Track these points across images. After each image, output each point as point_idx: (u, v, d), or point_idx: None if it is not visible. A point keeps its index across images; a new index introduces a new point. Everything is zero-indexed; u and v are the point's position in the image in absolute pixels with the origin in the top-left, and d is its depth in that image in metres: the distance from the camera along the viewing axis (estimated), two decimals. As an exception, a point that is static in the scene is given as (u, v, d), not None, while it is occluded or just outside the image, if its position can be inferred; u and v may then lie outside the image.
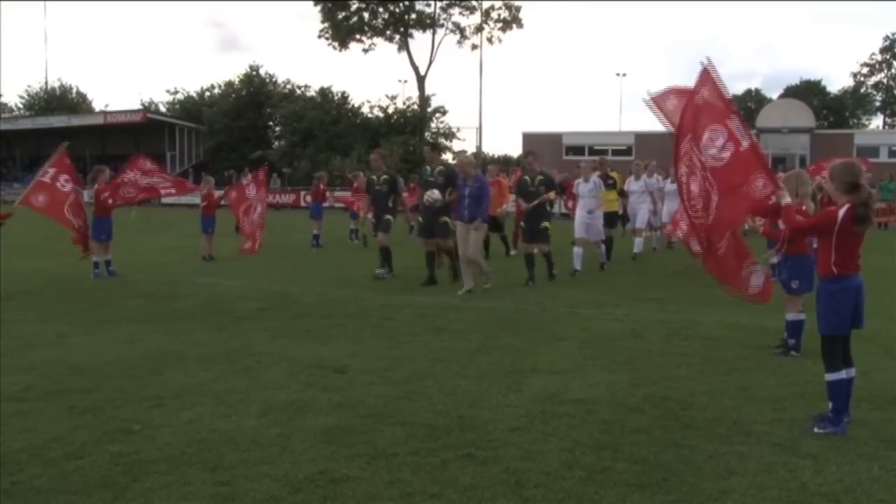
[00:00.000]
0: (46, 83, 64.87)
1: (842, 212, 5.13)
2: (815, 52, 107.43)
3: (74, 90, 66.98)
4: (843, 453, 4.79)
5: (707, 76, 6.15)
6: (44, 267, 13.82)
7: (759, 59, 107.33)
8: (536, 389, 6.20)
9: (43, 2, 61.83)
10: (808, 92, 61.18)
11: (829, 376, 5.23)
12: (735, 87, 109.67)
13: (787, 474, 4.48)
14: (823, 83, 65.81)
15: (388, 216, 13.07)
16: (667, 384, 6.38)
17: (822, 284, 5.28)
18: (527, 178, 12.63)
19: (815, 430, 5.17)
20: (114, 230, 13.19)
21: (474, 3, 55.31)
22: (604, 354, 7.45)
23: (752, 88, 72.15)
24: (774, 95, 64.22)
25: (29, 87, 67.39)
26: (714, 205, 5.98)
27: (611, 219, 14.93)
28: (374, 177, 13.34)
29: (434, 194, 11.72)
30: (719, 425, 5.35)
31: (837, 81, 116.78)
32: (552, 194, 12.91)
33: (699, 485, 4.34)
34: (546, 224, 12.24)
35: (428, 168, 12.75)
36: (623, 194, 15.82)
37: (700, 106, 6.10)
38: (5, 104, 69.79)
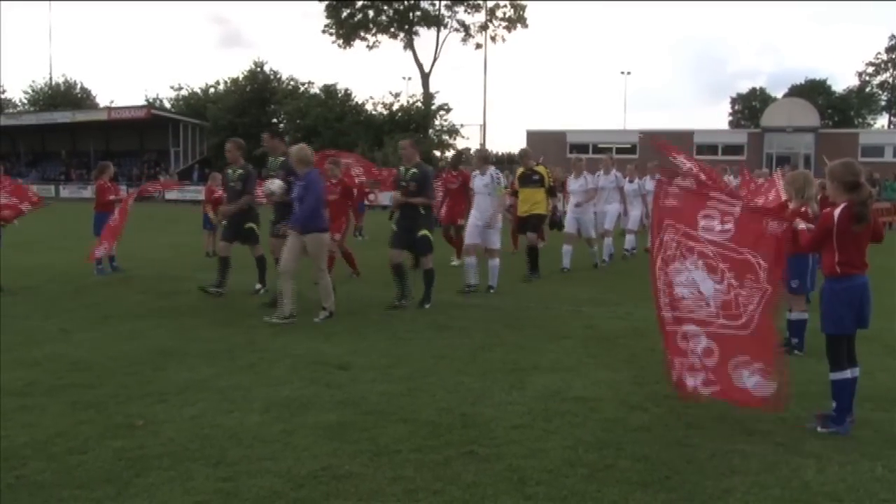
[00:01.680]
0: (51, 79, 65.21)
1: (837, 212, 5.15)
2: (821, 51, 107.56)
3: (79, 86, 67.19)
4: (845, 453, 4.79)
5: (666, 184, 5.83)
6: (47, 262, 13.84)
7: (764, 58, 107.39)
8: (539, 387, 6.21)
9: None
10: (813, 91, 61.18)
11: (834, 376, 5.23)
12: (740, 86, 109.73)
13: (789, 473, 4.48)
14: (828, 82, 65.96)
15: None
16: (669, 383, 6.37)
17: (826, 284, 5.28)
18: (400, 168, 10.15)
19: (819, 429, 5.17)
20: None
21: (479, 1, 55.30)
22: (606, 352, 7.46)
23: (757, 87, 72.32)
24: (779, 94, 64.28)
25: (33, 82, 67.82)
26: (762, 271, 5.26)
27: (535, 223, 12.73)
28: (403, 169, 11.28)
29: (273, 185, 9.61)
30: (722, 424, 5.35)
31: (843, 80, 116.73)
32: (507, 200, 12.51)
33: (701, 483, 4.34)
34: (425, 232, 9.67)
35: (270, 158, 10.82)
36: (553, 193, 13.50)
37: (674, 207, 5.64)
38: (10, 100, 69.97)
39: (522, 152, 13.67)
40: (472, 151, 14.46)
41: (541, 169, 12.60)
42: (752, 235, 5.35)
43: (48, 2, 63.73)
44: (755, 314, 5.23)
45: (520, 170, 12.95)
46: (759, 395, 5.17)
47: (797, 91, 61.35)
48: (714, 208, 5.44)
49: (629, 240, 16.34)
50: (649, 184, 16.57)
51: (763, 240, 5.31)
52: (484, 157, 11.75)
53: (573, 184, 14.44)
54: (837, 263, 5.16)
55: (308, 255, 8.91)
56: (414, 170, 9.76)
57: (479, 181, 11.23)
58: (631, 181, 16.13)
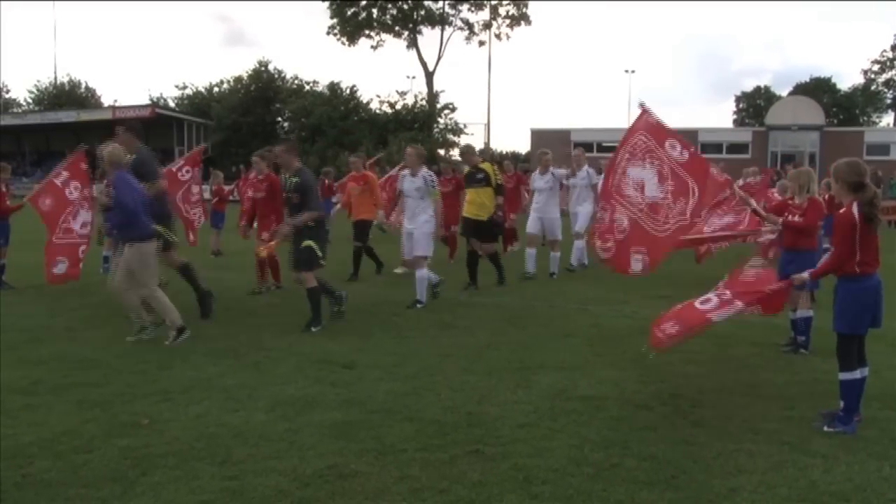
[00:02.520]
0: (55, 78, 65.17)
1: (855, 210, 5.10)
2: (826, 49, 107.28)
3: (83, 85, 67.19)
4: (852, 452, 4.78)
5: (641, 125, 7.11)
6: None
7: (769, 56, 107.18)
8: (545, 386, 6.20)
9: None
10: (818, 89, 61.00)
11: (843, 375, 5.20)
12: (744, 84, 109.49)
13: (796, 472, 4.47)
14: (833, 80, 65.68)
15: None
16: (675, 381, 6.37)
17: (841, 283, 5.21)
18: (283, 176, 8.84)
19: (825, 428, 5.15)
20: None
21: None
22: (612, 351, 7.44)
23: (762, 85, 72.26)
24: (784, 93, 64.10)
25: (38, 82, 67.82)
26: (695, 193, 6.57)
27: (484, 229, 11.09)
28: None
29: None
30: (728, 423, 5.33)
31: (848, 79, 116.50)
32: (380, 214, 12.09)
33: (708, 482, 4.33)
34: (309, 243, 8.33)
35: (283, 176, 9.36)
36: (500, 191, 11.16)
37: (650, 123, 6.99)
38: (14, 99, 70.11)
39: (464, 149, 12.13)
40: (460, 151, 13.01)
41: (486, 167, 11.18)
42: (702, 171, 6.66)
43: (52, 1, 64.05)
44: (669, 232, 6.60)
45: (466, 169, 11.68)
46: (634, 272, 6.98)
47: (802, 89, 61.19)
48: (678, 140, 6.79)
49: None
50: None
51: (709, 179, 6.59)
52: (420, 156, 10.16)
53: (538, 180, 13.09)
54: (857, 263, 5.11)
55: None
56: (295, 178, 8.42)
57: (408, 183, 9.96)
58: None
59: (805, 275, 5.54)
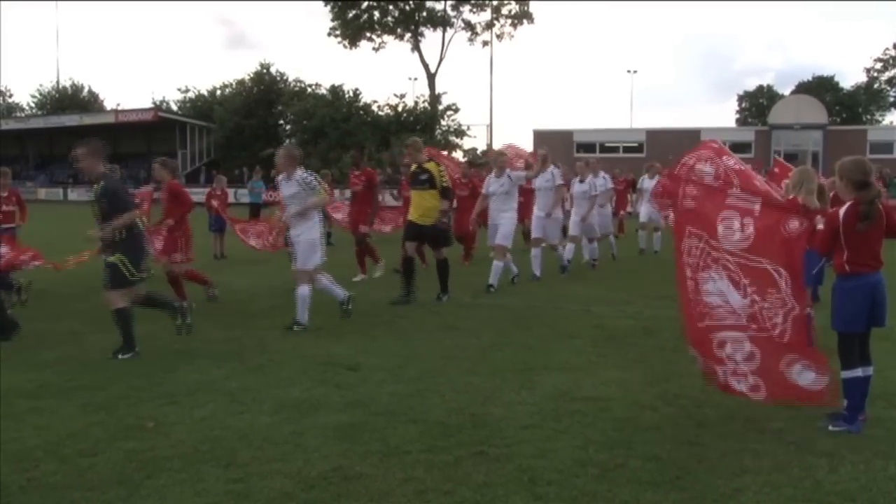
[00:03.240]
0: (58, 82, 65.28)
1: (842, 211, 5.14)
2: (828, 47, 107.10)
3: (86, 89, 67.30)
4: (858, 451, 4.76)
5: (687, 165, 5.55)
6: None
7: (772, 55, 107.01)
8: (549, 387, 6.19)
9: (55, 0, 61.84)
10: (820, 88, 60.94)
11: (845, 374, 5.19)
12: (747, 84, 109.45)
13: (801, 472, 4.46)
14: (836, 79, 65.59)
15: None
16: (680, 382, 6.36)
17: (836, 282, 5.25)
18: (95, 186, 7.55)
19: (830, 427, 5.14)
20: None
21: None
22: (616, 352, 7.44)
23: (765, 84, 72.18)
24: (787, 91, 64.03)
25: (41, 86, 67.93)
26: (784, 275, 5.19)
27: (430, 235, 10.32)
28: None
29: None
30: (732, 423, 5.33)
31: (851, 77, 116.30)
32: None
33: (713, 483, 4.33)
34: (114, 259, 7.33)
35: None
36: (447, 195, 10.31)
37: (692, 210, 5.46)
38: (17, 103, 70.23)
39: (409, 142, 10.94)
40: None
41: (431, 167, 10.16)
42: (771, 242, 5.23)
43: (55, 1, 63.97)
44: (786, 328, 5.18)
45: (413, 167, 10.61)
46: (814, 390, 5.16)
47: (805, 88, 61.15)
48: (733, 207, 5.30)
49: (641, 237, 16.45)
50: (647, 182, 16.76)
51: (783, 247, 5.21)
52: (292, 158, 8.85)
53: (493, 184, 12.23)
54: (846, 262, 5.14)
55: None
56: (100, 184, 7.43)
57: (285, 188, 8.81)
58: (582, 181, 13.99)
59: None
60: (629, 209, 21.06)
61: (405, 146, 10.86)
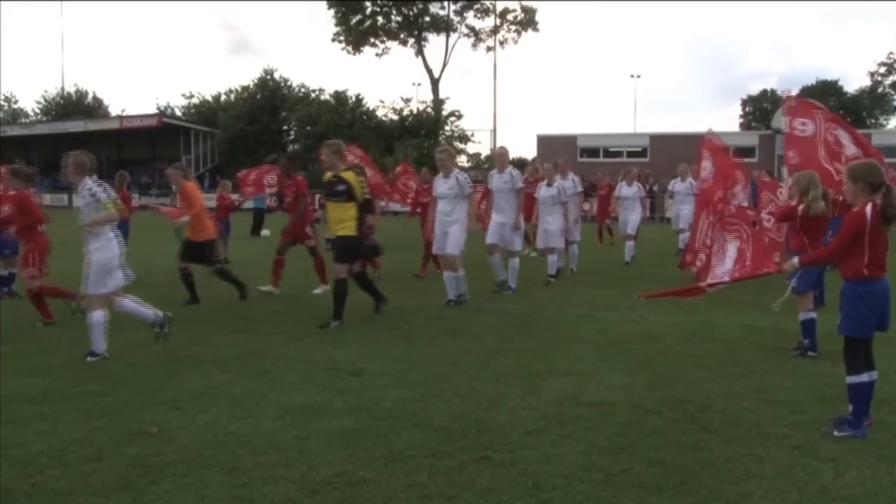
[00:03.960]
0: (63, 89, 65.44)
1: (868, 211, 5.08)
2: (832, 51, 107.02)
3: (91, 95, 67.48)
4: (863, 456, 4.75)
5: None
6: (60, 270, 13.89)
7: (776, 59, 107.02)
8: (553, 392, 6.19)
9: (60, 1, 62.09)
10: (824, 92, 60.90)
11: (851, 379, 5.18)
12: (751, 88, 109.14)
13: (806, 477, 4.45)
14: (840, 83, 65.52)
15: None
16: (684, 387, 6.35)
17: (849, 286, 5.18)
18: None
19: (835, 433, 5.12)
20: (130, 234, 13.28)
21: (488, 4, 55.28)
22: (620, 357, 7.43)
23: (768, 89, 71.96)
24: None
25: (46, 92, 68.05)
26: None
27: (347, 247, 9.10)
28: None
29: None
30: (737, 428, 5.32)
31: (854, 81, 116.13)
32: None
33: (717, 488, 4.31)
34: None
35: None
36: (370, 208, 9.37)
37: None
38: (22, 109, 70.44)
39: (327, 144, 9.43)
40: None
41: (349, 176, 9.01)
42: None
43: (60, 2, 63.87)
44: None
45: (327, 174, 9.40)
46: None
47: (809, 92, 60.93)
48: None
49: (629, 247, 16.18)
50: (626, 189, 16.55)
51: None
52: (78, 165, 7.74)
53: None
54: (866, 266, 5.08)
55: None
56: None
57: (76, 198, 8.20)
58: (549, 185, 12.86)
59: (795, 260, 5.76)
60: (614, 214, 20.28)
61: (326, 150, 9.27)
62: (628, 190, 16.45)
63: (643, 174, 22.16)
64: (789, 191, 7.53)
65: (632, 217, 16.27)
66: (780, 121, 45.88)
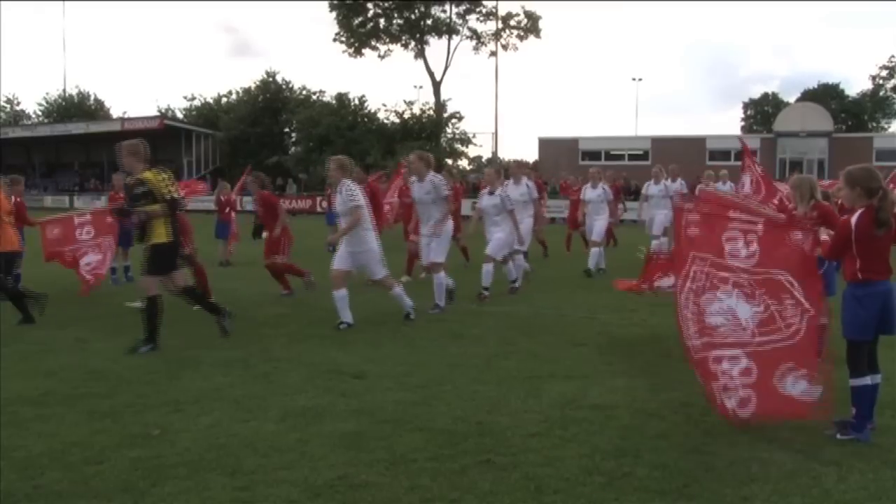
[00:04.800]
0: (65, 91, 65.45)
1: (854, 218, 5.11)
2: (834, 54, 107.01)
3: (92, 97, 67.50)
4: (866, 460, 4.74)
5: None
6: (62, 272, 13.90)
7: (777, 62, 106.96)
8: (555, 395, 6.18)
9: (62, 1, 61.99)
10: (826, 95, 60.91)
11: (854, 382, 5.17)
12: (752, 91, 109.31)
13: (809, 481, 4.43)
14: (842, 86, 65.53)
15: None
16: (686, 390, 6.32)
17: (847, 289, 5.21)
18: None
19: (838, 436, 5.11)
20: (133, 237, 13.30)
21: (493, 3, 55.27)
22: (622, 360, 7.42)
23: (770, 92, 72.04)
24: (792, 99, 63.94)
25: (47, 94, 68.04)
26: (796, 284, 5.34)
27: (158, 257, 8.08)
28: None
29: None
30: (740, 431, 5.29)
31: (856, 84, 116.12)
32: None
33: (720, 491, 4.31)
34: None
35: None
36: (175, 205, 8.22)
37: (696, 238, 5.61)
38: (24, 111, 70.50)
39: (122, 146, 8.52)
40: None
41: (149, 176, 8.14)
42: (779, 254, 5.38)
43: (62, 2, 63.65)
44: (801, 327, 5.27)
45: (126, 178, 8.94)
46: (804, 401, 5.18)
47: (810, 95, 61.06)
48: (736, 229, 5.44)
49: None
50: (590, 193, 14.95)
51: (791, 256, 5.36)
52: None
53: (652, 189, 15.50)
54: (859, 270, 5.10)
55: None
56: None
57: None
58: (492, 193, 11.45)
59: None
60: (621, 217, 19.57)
61: (116, 148, 8.51)
62: (593, 193, 14.67)
63: (617, 176, 20.82)
64: (792, 197, 7.48)
65: (598, 222, 14.42)
66: (782, 124, 46.02)
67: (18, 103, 72.46)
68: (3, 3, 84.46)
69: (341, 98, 52.00)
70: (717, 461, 4.75)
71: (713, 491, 4.31)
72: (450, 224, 10.56)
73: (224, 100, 59.35)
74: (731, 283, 5.39)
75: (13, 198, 11.07)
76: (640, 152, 46.68)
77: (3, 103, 70.55)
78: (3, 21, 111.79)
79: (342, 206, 9.11)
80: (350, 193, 9.05)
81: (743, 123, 70.98)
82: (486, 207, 11.40)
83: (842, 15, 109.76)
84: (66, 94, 65.33)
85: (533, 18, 55.26)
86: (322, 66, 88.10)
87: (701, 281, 5.45)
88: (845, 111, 63.15)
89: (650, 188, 16.28)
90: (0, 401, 6.00)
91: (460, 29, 55.72)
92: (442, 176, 10.89)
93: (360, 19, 54.81)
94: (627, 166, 41.09)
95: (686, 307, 5.45)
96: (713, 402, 5.43)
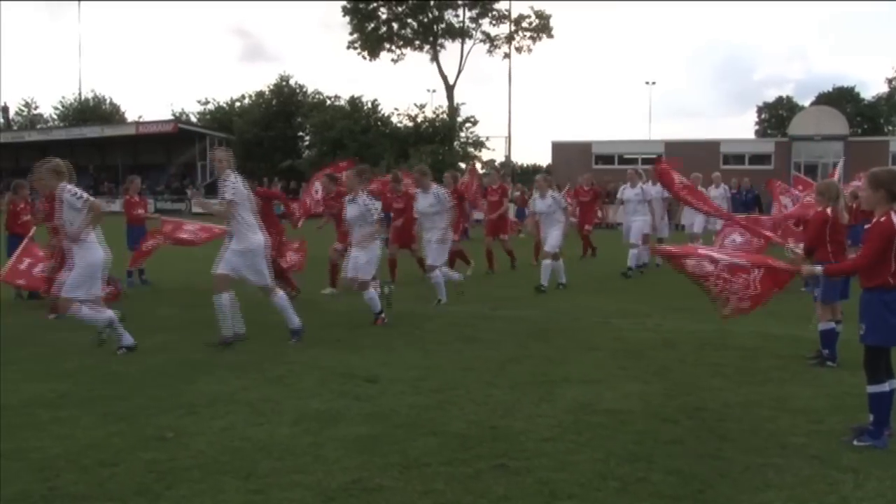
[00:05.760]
0: (80, 94, 65.86)
1: (895, 220, 5.02)
2: (849, 57, 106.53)
3: (108, 101, 67.93)
4: (884, 467, 4.70)
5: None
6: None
7: (792, 66, 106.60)
8: (569, 399, 6.16)
9: (78, 2, 62.07)
10: (841, 99, 60.57)
11: (872, 388, 5.12)
12: (767, 95, 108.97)
13: (826, 488, 4.40)
14: (857, 89, 65.17)
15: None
16: (701, 395, 6.31)
17: (875, 295, 5.07)
18: None
19: (855, 442, 5.08)
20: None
21: (506, 3, 55.23)
22: (636, 364, 7.39)
23: (784, 96, 71.79)
24: (807, 102, 63.65)
25: (63, 98, 68.46)
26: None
27: None
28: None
29: None
30: (755, 437, 5.28)
31: (872, 88, 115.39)
32: None
33: (736, 497, 4.28)
34: None
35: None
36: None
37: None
38: (41, 115, 71.00)
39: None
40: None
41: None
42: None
43: (78, 2, 63.67)
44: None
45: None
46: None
47: (825, 99, 60.75)
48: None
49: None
50: (539, 204, 13.65)
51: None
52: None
53: (628, 192, 15.15)
54: (892, 275, 5.00)
55: None
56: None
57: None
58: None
59: (818, 269, 5.61)
60: (597, 222, 18.66)
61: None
62: (542, 203, 13.09)
63: (593, 180, 18.98)
64: (816, 201, 7.41)
65: (552, 233, 12.89)
66: (797, 128, 45.77)
67: (36, 107, 73.01)
68: (20, 7, 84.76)
69: (354, 102, 52.10)
70: (731, 467, 4.72)
71: (728, 497, 4.29)
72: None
73: (238, 103, 59.64)
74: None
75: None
76: (654, 156, 46.47)
77: (21, 107, 71.21)
78: (20, 26, 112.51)
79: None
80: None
81: (757, 127, 70.72)
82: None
83: (857, 18, 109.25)
84: (82, 98, 65.78)
85: (544, 18, 55.29)
86: (333, 69, 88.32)
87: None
88: (861, 115, 62.77)
89: (626, 192, 15.24)
90: (16, 402, 6.05)
91: (473, 32, 55.81)
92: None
93: (373, 24, 54.97)
94: (641, 170, 40.90)
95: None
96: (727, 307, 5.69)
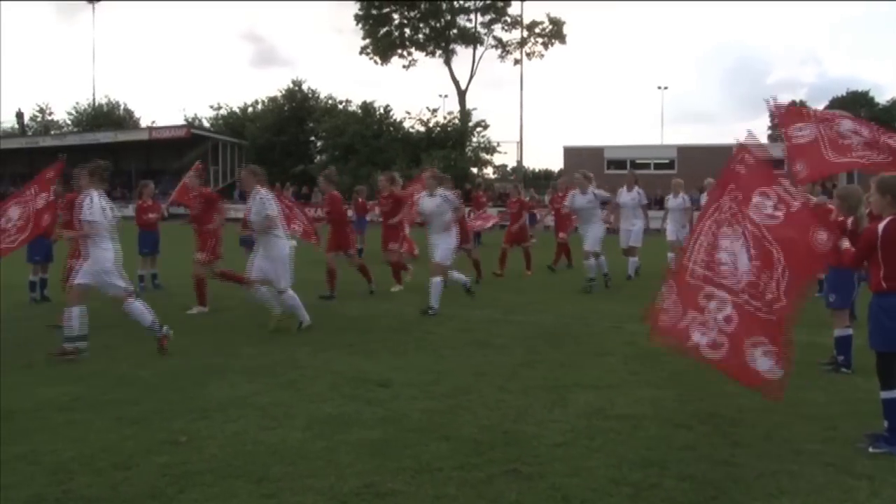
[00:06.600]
0: (94, 100, 66.25)
1: (881, 226, 5.08)
2: (863, 60, 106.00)
3: (121, 107, 68.31)
4: (899, 474, 4.67)
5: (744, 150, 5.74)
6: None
7: (805, 70, 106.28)
8: (581, 404, 6.15)
9: (91, 2, 62.26)
10: (855, 103, 60.36)
11: (885, 394, 5.10)
12: (780, 99, 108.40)
13: (841, 495, 4.37)
14: (871, 93, 64.93)
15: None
16: (714, 400, 6.28)
17: (873, 299, 5.17)
18: None
19: (870, 449, 5.04)
20: (160, 244, 13.46)
21: (519, 6, 55.19)
22: (649, 370, 7.37)
23: (798, 100, 71.25)
24: (821, 107, 63.26)
25: (77, 103, 68.87)
26: (781, 267, 5.19)
27: None
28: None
29: None
30: (769, 443, 5.25)
31: (886, 92, 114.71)
32: None
33: (750, 504, 4.26)
34: None
35: None
36: None
37: (741, 174, 5.50)
38: (55, 120, 71.45)
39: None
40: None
41: None
42: (792, 238, 5.20)
43: (93, 4, 63.66)
44: (774, 309, 5.11)
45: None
46: (766, 378, 4.98)
47: (839, 103, 60.52)
48: (775, 193, 5.32)
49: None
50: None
51: (798, 246, 5.16)
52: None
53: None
54: (883, 278, 5.06)
55: None
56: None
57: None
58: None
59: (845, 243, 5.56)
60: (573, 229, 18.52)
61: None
62: (582, 199, 13.35)
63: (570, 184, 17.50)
64: (836, 208, 7.27)
65: (591, 231, 13.28)
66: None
67: (51, 113, 73.48)
68: (33, 13, 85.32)
69: (367, 107, 52.18)
70: (745, 473, 4.70)
71: (742, 503, 4.26)
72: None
73: (250, 109, 59.86)
74: (742, 230, 5.32)
75: None
76: (666, 161, 46.44)
77: (36, 112, 71.69)
78: (35, 32, 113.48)
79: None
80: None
81: (770, 132, 70.37)
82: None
83: (870, 21, 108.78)
84: (96, 104, 66.16)
85: (558, 24, 55.26)
86: (345, 74, 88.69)
87: (726, 213, 5.41)
88: (875, 119, 62.19)
89: (576, 199, 13.57)
90: (30, 406, 6.08)
91: (485, 38, 55.84)
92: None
93: (385, 29, 55.09)
94: (653, 175, 40.86)
95: (702, 231, 5.43)
96: (677, 328, 5.31)
